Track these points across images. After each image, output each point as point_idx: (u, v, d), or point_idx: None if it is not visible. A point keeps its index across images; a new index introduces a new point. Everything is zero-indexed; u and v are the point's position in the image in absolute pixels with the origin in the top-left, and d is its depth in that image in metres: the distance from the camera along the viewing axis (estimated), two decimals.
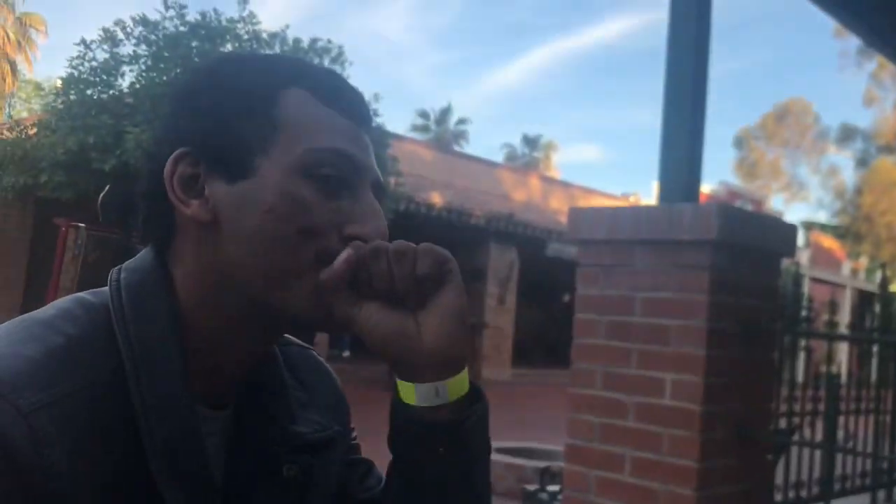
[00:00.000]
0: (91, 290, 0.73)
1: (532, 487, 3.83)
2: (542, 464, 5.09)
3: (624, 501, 2.80)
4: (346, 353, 13.62)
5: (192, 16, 9.07)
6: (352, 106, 0.75)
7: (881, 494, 3.67)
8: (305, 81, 0.74)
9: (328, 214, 0.71)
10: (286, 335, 0.83)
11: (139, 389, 0.66)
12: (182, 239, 0.73)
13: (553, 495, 3.53)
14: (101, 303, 0.70)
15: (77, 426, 0.62)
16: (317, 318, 0.71)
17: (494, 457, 5.54)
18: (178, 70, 8.34)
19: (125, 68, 9.09)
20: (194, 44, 8.83)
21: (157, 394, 0.66)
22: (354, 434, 0.91)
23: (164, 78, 8.49)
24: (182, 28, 8.99)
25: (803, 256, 23.16)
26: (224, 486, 0.73)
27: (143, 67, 8.95)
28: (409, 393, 0.70)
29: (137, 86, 8.89)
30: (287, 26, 9.63)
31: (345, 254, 0.69)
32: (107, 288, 0.72)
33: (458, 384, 0.71)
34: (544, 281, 18.57)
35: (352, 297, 0.70)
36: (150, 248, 0.75)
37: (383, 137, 10.00)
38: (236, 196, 0.70)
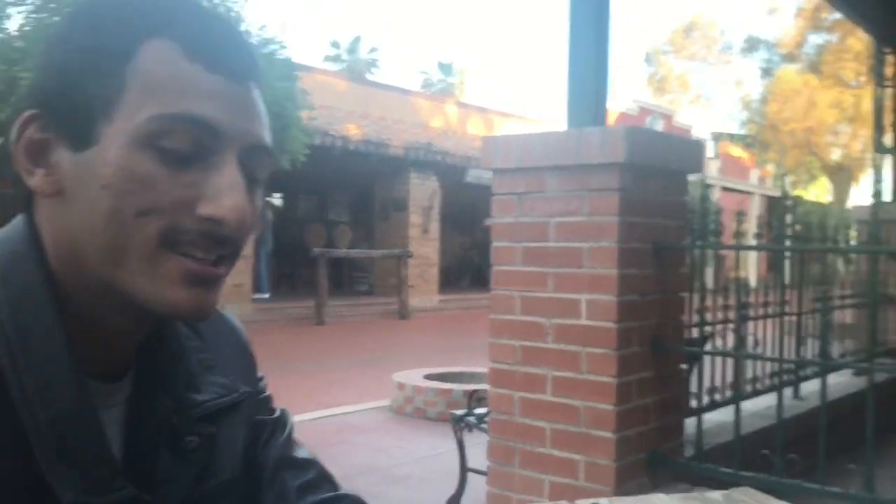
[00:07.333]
0: None
1: (460, 412, 3.92)
2: (469, 387, 5.21)
3: (547, 420, 2.90)
4: (267, 295, 13.51)
5: None
6: (226, 58, 0.64)
7: (787, 392, 3.89)
8: (174, 31, 0.63)
9: (177, 191, 0.62)
10: None
11: (17, 373, 0.61)
12: (39, 209, 0.67)
13: (480, 418, 3.63)
14: None
15: None
16: (166, 307, 0.64)
17: (426, 383, 5.60)
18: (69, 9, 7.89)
19: (11, 10, 8.57)
20: None
21: (38, 374, 0.61)
22: (263, 385, 0.87)
23: (56, 18, 8.05)
24: None
25: (713, 167, 23.83)
26: (124, 459, 0.68)
27: (32, 7, 8.45)
28: None
29: (27, 28, 8.41)
30: None
31: None
32: None
33: None
34: (466, 207, 18.68)
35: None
36: (22, 215, 0.68)
37: (291, 69, 9.74)
38: (78, 167, 0.63)
